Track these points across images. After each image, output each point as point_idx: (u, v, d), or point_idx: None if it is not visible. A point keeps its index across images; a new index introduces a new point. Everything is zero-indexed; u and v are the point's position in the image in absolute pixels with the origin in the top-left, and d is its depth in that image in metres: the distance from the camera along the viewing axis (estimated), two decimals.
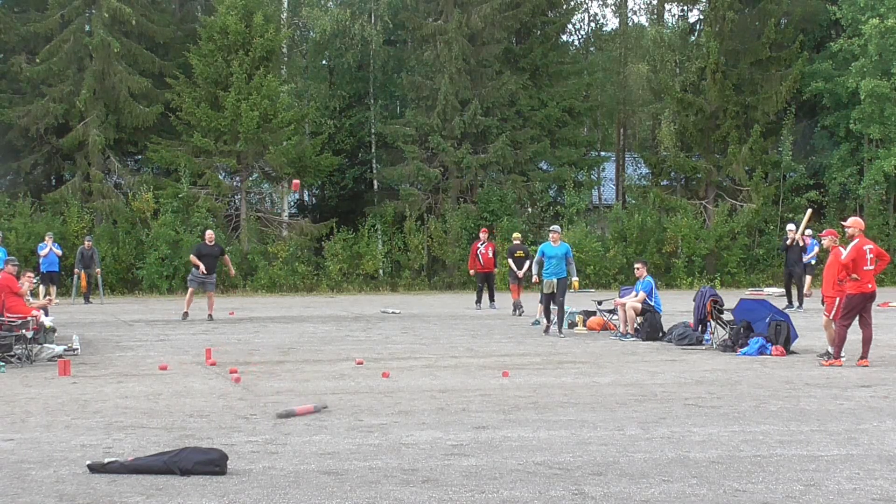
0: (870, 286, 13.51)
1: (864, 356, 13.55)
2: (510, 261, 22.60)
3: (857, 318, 13.53)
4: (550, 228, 18.21)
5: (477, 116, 34.72)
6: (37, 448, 8.32)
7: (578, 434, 8.83)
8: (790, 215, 33.56)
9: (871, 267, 13.49)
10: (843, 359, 13.85)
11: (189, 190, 32.51)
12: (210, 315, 21.20)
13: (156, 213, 32.43)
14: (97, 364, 14.03)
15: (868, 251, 13.51)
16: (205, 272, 21.01)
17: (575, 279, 17.99)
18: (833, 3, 35.62)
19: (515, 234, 24.11)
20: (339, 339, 17.39)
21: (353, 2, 36.70)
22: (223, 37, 32.52)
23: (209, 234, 22.27)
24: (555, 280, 17.35)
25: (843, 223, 14.06)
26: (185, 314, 21.20)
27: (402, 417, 9.72)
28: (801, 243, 23.02)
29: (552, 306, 17.77)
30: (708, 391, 11.36)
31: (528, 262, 22.21)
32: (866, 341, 13.59)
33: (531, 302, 22.78)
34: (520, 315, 22.08)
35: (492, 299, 24.25)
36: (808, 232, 23.97)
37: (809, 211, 24.10)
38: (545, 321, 17.82)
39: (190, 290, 21.54)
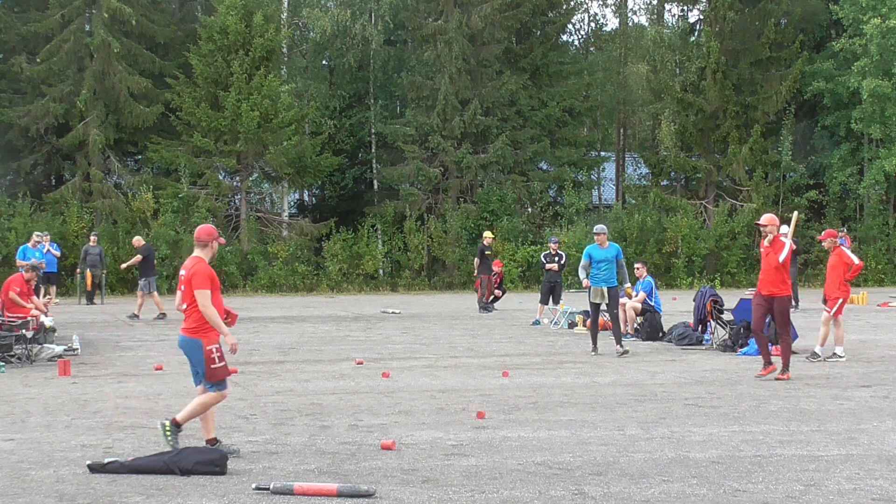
0: None
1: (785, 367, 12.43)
2: (477, 260, 23.52)
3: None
4: (595, 229, 15.41)
5: (477, 116, 34.72)
6: (37, 448, 8.32)
7: (578, 434, 8.83)
8: (790, 215, 33.53)
9: None
10: (843, 359, 13.87)
11: (189, 190, 32.50)
12: (134, 313, 21.57)
13: (156, 213, 32.41)
14: (97, 364, 14.03)
15: None
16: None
17: (627, 285, 15.74)
18: (835, 2, 35.62)
19: (486, 234, 24.32)
20: (339, 339, 17.39)
21: (353, 2, 36.69)
22: (223, 37, 32.50)
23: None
24: (605, 288, 14.84)
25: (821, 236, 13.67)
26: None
27: (402, 417, 9.72)
28: (792, 246, 23.18)
29: (601, 318, 15.67)
30: (708, 391, 11.36)
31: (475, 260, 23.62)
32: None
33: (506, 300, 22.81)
34: (490, 311, 23.00)
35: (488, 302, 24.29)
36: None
37: (796, 214, 24.21)
38: (591, 336, 15.51)
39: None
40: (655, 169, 37.71)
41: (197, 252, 8.13)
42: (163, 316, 21.33)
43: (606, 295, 14.85)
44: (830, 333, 14.13)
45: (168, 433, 7.89)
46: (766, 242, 12.73)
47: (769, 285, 12.45)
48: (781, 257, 12.38)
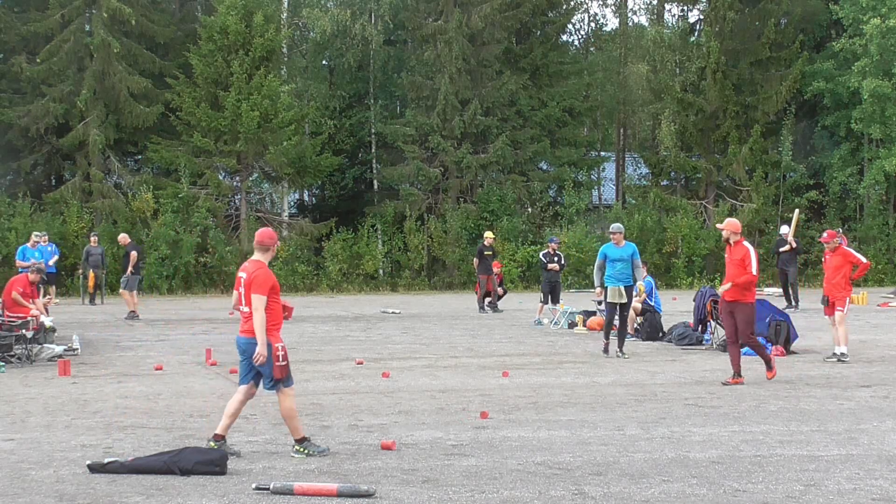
0: None
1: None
2: (476, 260, 23.60)
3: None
4: (611, 228, 15.02)
5: (477, 116, 34.71)
6: (37, 448, 8.32)
7: (578, 434, 8.83)
8: (790, 215, 33.57)
9: None
10: (847, 359, 13.86)
11: (189, 190, 32.49)
12: (131, 313, 21.56)
13: (156, 213, 32.41)
14: (97, 364, 14.03)
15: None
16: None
17: (640, 283, 15.19)
18: (835, 2, 35.63)
19: (487, 234, 24.29)
20: (339, 339, 17.39)
21: (353, 2, 36.70)
22: (223, 37, 32.49)
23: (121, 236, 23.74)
24: (621, 287, 14.53)
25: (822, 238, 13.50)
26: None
27: (402, 417, 9.72)
28: (793, 245, 23.22)
29: (615, 320, 14.95)
30: (708, 391, 11.36)
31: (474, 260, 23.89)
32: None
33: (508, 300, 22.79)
34: (498, 311, 22.99)
35: (494, 303, 24.31)
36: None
37: (797, 212, 24.24)
38: (604, 340, 15.01)
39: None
40: (655, 169, 37.71)
41: (257, 256, 8.20)
42: (133, 315, 21.32)
43: (623, 294, 14.53)
44: (833, 330, 14.11)
45: (301, 451, 8.03)
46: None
47: (734, 292, 12.04)
48: (754, 270, 11.95)
